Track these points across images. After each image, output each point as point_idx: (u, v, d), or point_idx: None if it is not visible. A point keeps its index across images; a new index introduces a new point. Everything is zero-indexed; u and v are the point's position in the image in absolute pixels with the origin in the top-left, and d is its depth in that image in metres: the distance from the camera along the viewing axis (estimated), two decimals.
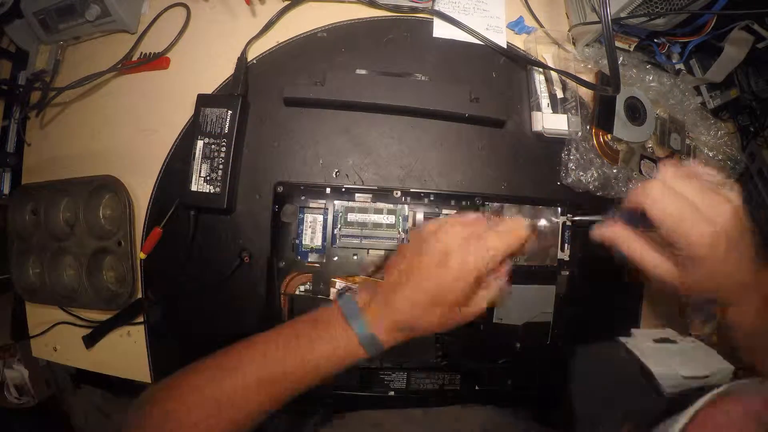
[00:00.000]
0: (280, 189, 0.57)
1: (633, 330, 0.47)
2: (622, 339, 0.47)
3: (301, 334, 0.37)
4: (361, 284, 0.39)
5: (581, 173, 0.60)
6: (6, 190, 0.67)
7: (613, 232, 0.40)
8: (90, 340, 0.60)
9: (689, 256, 0.35)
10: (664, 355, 0.44)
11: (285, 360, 0.36)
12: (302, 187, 0.57)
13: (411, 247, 0.38)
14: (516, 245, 0.36)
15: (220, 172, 0.55)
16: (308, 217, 0.57)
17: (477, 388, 0.61)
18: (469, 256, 0.35)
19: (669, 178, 0.35)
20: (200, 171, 0.55)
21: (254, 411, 0.36)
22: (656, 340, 0.46)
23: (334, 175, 0.59)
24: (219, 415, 0.35)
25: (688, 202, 0.34)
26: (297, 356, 0.36)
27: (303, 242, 0.57)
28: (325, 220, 0.57)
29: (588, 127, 0.62)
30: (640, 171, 0.63)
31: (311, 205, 0.57)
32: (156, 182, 0.60)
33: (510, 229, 0.37)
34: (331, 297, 0.57)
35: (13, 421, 0.87)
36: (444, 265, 0.35)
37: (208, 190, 0.55)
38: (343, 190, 0.58)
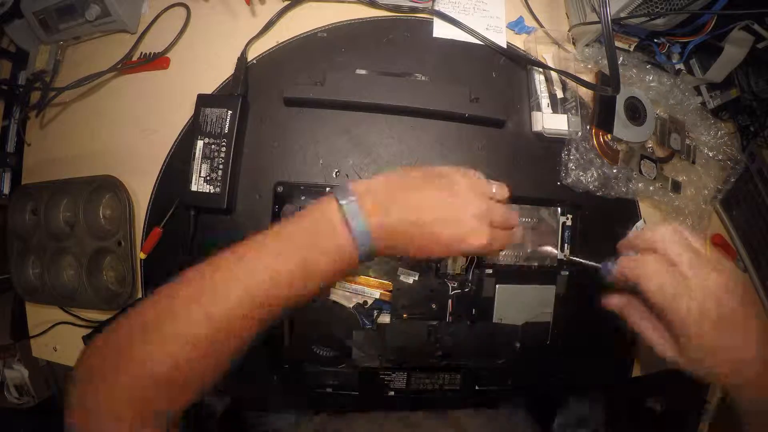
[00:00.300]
0: (280, 189, 0.57)
1: None
2: None
3: (301, 243, 0.34)
4: (362, 189, 0.35)
5: (581, 173, 0.60)
6: (6, 190, 0.67)
7: (620, 304, 0.39)
8: (90, 340, 0.60)
9: (682, 333, 0.33)
10: None
11: (283, 275, 0.32)
12: (302, 188, 0.57)
13: (426, 178, 0.37)
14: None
15: (220, 172, 0.55)
16: None
17: (477, 388, 0.61)
18: (482, 218, 0.36)
19: (662, 249, 0.35)
20: (200, 171, 0.55)
21: (247, 337, 0.32)
22: None
23: (334, 175, 0.59)
24: (207, 352, 0.31)
25: (681, 276, 0.33)
26: (299, 270, 0.33)
27: None
28: None
29: (588, 127, 0.62)
30: (640, 171, 0.63)
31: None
32: (156, 182, 0.60)
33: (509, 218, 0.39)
34: (331, 297, 0.57)
35: (13, 421, 0.87)
36: (458, 218, 0.36)
37: (208, 190, 0.55)
38: None
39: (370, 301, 0.57)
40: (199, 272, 0.33)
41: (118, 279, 0.60)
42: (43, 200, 0.61)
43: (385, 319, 0.58)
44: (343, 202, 0.34)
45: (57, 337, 0.63)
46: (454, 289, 0.59)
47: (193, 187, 0.55)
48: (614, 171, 0.62)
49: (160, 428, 0.30)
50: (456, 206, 0.36)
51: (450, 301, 0.59)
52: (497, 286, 0.59)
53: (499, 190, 0.40)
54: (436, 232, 0.36)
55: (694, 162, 0.68)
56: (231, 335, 0.31)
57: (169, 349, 0.30)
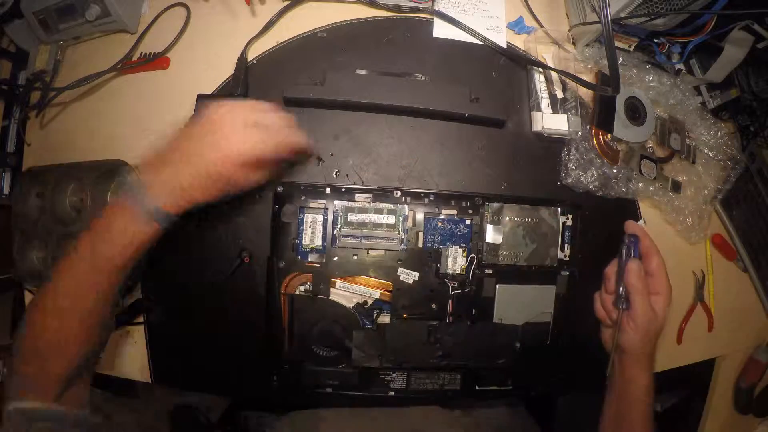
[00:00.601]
0: (280, 189, 0.57)
1: None
2: None
3: (99, 228, 0.42)
4: (144, 164, 0.43)
5: (581, 173, 0.60)
6: (6, 190, 0.67)
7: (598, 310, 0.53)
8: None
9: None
10: None
11: (95, 255, 0.41)
12: (302, 187, 0.57)
13: (193, 130, 0.43)
14: (285, 148, 0.45)
15: None
16: (308, 217, 0.57)
17: (477, 387, 0.61)
18: (244, 144, 0.42)
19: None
20: None
21: (94, 305, 0.42)
22: None
23: (334, 175, 0.59)
24: (67, 321, 0.41)
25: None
26: (103, 247, 0.41)
27: (303, 242, 0.57)
28: (325, 220, 0.57)
29: (588, 127, 0.62)
30: (640, 171, 0.63)
31: (311, 205, 0.58)
32: None
33: (285, 135, 0.45)
34: (331, 297, 0.57)
35: None
36: (220, 149, 0.41)
37: None
38: (343, 190, 0.58)
39: (370, 301, 0.57)
40: (56, 266, 0.43)
41: None
42: (50, 183, 0.60)
43: (385, 319, 0.58)
44: (128, 189, 0.41)
45: None
46: (454, 289, 0.59)
47: None
48: (614, 171, 0.62)
49: (49, 389, 0.41)
50: (215, 129, 0.42)
51: (450, 301, 0.59)
52: (497, 286, 0.59)
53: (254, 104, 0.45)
54: (208, 156, 0.41)
55: (694, 162, 0.68)
56: (78, 307, 0.42)
57: (39, 323, 0.42)
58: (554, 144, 0.62)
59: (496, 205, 0.60)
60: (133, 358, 0.60)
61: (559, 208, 0.62)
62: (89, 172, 0.59)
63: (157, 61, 0.61)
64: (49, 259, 0.60)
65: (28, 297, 0.65)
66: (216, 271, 0.58)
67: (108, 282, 0.42)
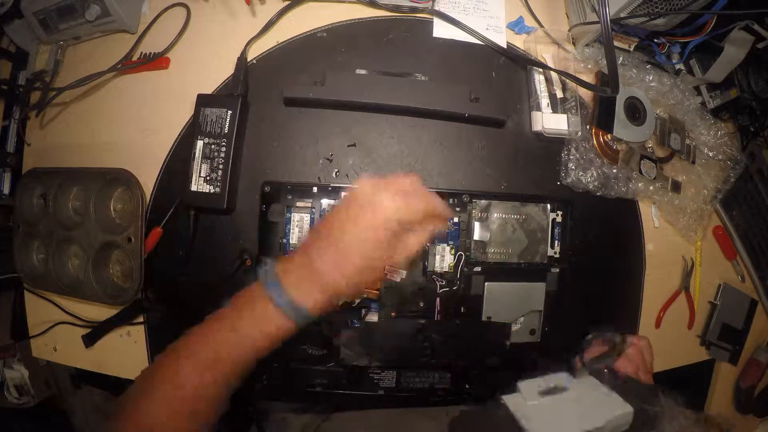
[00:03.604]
0: (267, 189, 0.57)
1: (519, 383, 0.43)
2: (504, 397, 0.43)
3: (224, 316, 0.38)
4: (287, 261, 0.39)
5: (581, 173, 0.60)
6: (6, 190, 0.67)
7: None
8: (90, 340, 0.60)
9: None
10: (552, 410, 0.41)
11: (217, 345, 0.37)
12: (289, 187, 0.57)
13: (337, 214, 0.39)
14: (431, 212, 0.39)
15: (220, 172, 0.55)
16: (295, 216, 0.57)
17: (467, 386, 0.61)
18: (391, 209, 0.37)
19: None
20: (200, 171, 0.55)
21: (208, 398, 0.37)
22: (543, 392, 0.43)
23: (334, 175, 0.59)
24: (179, 411, 0.37)
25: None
26: (225, 339, 0.37)
27: (290, 241, 0.57)
28: (312, 219, 0.57)
29: (588, 127, 0.62)
30: (640, 171, 0.63)
31: (298, 204, 0.57)
32: (156, 182, 0.60)
33: (428, 199, 0.39)
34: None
35: (13, 421, 0.87)
36: (367, 217, 0.37)
37: (208, 190, 0.55)
38: (330, 188, 0.57)
39: (357, 300, 0.57)
40: (166, 356, 0.41)
41: (124, 274, 0.60)
42: (53, 186, 0.60)
43: (373, 317, 0.58)
44: (263, 279, 0.37)
45: (57, 337, 0.63)
46: (442, 287, 0.58)
47: (193, 187, 0.55)
48: (614, 171, 0.62)
49: None
50: (361, 203, 0.37)
51: (438, 299, 0.59)
52: (486, 283, 0.59)
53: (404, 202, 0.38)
54: (363, 269, 0.38)
55: (694, 162, 0.68)
56: (195, 401, 0.37)
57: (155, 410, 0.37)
58: (554, 144, 0.62)
59: (483, 202, 0.59)
60: (133, 358, 0.60)
61: (549, 205, 0.61)
62: (94, 178, 0.59)
63: (157, 61, 0.61)
64: (49, 261, 0.60)
65: (28, 297, 0.65)
66: (216, 271, 0.58)
67: (231, 372, 0.38)
